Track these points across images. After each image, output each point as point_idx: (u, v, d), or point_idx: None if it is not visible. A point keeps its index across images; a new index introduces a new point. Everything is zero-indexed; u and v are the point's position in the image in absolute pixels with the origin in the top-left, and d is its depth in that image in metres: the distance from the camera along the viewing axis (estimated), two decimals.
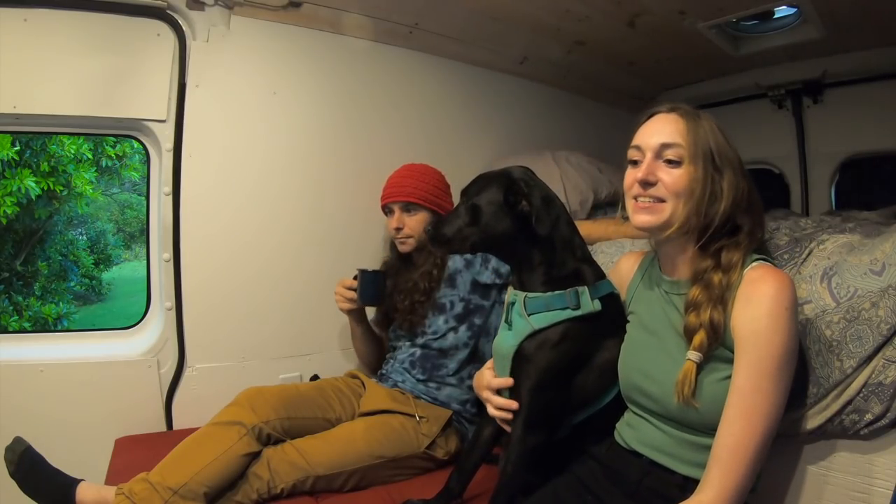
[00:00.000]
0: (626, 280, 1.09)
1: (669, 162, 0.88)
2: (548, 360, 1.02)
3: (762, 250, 0.93)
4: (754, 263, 0.86)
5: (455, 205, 1.21)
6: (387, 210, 1.65)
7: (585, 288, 1.04)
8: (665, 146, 0.88)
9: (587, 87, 2.49)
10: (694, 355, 0.84)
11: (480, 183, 1.11)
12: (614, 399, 1.03)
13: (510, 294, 1.11)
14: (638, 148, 0.92)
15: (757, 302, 0.81)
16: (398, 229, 1.60)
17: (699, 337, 0.84)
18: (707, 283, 0.86)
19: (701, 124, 0.88)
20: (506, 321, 1.10)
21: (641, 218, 0.91)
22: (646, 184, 0.89)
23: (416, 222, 1.60)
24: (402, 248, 1.63)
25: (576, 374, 1.03)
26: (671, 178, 0.87)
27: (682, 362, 0.86)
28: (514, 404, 1.05)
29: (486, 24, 1.86)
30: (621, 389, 1.01)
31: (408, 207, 1.60)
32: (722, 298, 0.84)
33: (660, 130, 0.90)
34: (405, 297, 1.58)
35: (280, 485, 1.24)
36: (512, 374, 1.06)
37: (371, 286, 1.54)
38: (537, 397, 1.02)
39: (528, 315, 1.04)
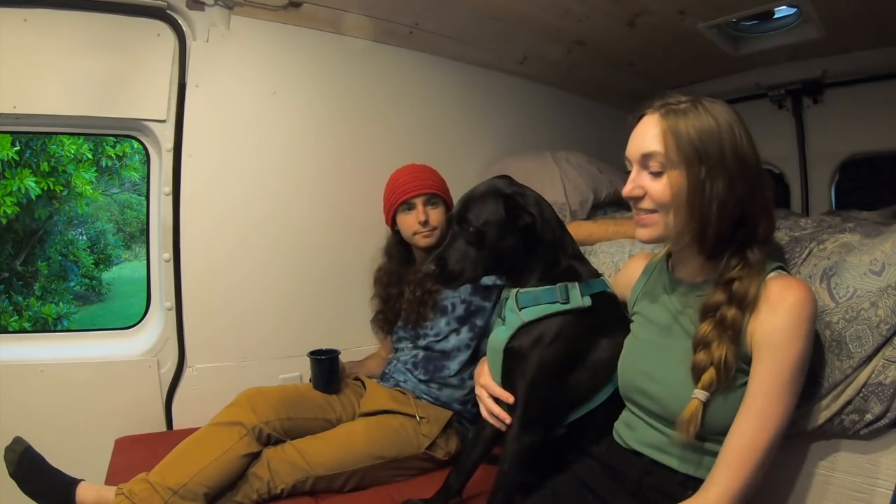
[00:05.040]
0: (633, 281, 1.09)
1: (654, 172, 0.86)
2: (542, 358, 1.03)
3: (778, 257, 0.91)
4: (773, 273, 0.85)
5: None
6: (405, 207, 1.59)
7: (576, 283, 1.05)
8: (646, 156, 0.86)
9: (587, 87, 2.48)
10: (701, 394, 0.82)
11: (474, 206, 1.09)
12: (611, 397, 1.04)
13: (505, 291, 1.13)
14: (627, 159, 0.92)
15: (781, 313, 0.80)
16: (424, 223, 1.56)
17: (709, 376, 0.81)
18: (720, 321, 0.82)
19: (687, 120, 0.82)
20: (500, 317, 1.11)
21: (640, 233, 0.91)
22: (633, 198, 0.89)
23: (438, 215, 1.58)
24: (426, 242, 1.57)
25: (570, 372, 1.04)
26: (656, 189, 0.86)
27: (685, 363, 0.85)
28: (507, 418, 1.06)
29: (486, 24, 1.86)
30: (620, 389, 1.00)
31: (432, 200, 1.59)
32: (736, 338, 0.81)
33: (642, 137, 0.87)
34: (415, 287, 1.57)
35: (280, 485, 1.24)
36: (505, 371, 1.08)
37: (322, 374, 1.50)
38: (532, 395, 1.03)
39: (520, 309, 1.06)
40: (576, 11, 1.78)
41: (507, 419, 1.06)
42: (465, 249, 1.08)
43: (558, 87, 2.41)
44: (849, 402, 0.90)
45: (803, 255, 1.05)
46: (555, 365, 1.03)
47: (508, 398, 1.06)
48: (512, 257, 1.09)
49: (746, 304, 0.82)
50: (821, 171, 2.35)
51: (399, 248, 1.70)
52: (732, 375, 0.82)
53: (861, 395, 0.88)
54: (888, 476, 0.88)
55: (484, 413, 1.11)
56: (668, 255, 1.01)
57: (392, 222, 1.66)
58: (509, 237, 1.07)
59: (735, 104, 2.54)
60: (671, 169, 0.84)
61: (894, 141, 2.10)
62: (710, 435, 0.84)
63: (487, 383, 1.11)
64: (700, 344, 0.84)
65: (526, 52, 2.10)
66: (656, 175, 0.86)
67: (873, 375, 0.88)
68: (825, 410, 0.92)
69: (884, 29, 1.85)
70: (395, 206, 1.61)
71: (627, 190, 0.89)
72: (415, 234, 1.59)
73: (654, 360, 0.93)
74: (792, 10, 1.90)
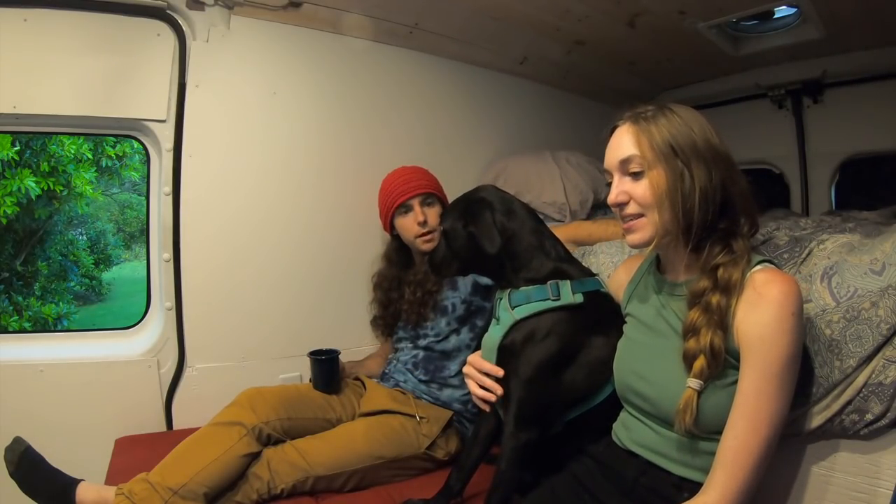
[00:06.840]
0: (624, 284, 1.09)
1: (634, 175, 0.88)
2: (534, 355, 1.03)
3: (762, 251, 0.92)
4: (758, 266, 0.85)
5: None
6: (402, 210, 1.58)
7: (567, 281, 1.07)
8: (624, 162, 0.89)
9: (587, 87, 2.48)
10: (694, 383, 0.82)
11: (446, 213, 1.23)
12: (610, 397, 1.04)
13: (498, 292, 1.15)
14: (607, 171, 0.94)
15: (764, 307, 0.80)
16: (423, 223, 1.55)
17: (699, 363, 0.82)
18: (706, 306, 0.83)
19: (657, 123, 0.86)
20: (494, 317, 1.13)
21: (630, 238, 0.92)
22: (618, 205, 0.91)
23: (435, 215, 1.57)
24: (429, 247, 1.54)
25: (564, 371, 1.05)
26: (640, 190, 0.87)
27: (676, 363, 0.85)
28: (497, 388, 1.07)
29: (486, 24, 1.86)
30: (616, 390, 1.01)
31: (428, 200, 1.58)
32: (722, 323, 0.82)
33: (617, 146, 0.91)
34: (415, 288, 1.56)
35: (280, 485, 1.24)
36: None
37: (322, 374, 1.49)
38: (526, 392, 1.04)
39: (512, 308, 1.08)
40: (576, 11, 1.78)
41: (498, 389, 1.06)
42: (442, 248, 1.21)
43: (558, 87, 2.41)
44: (849, 402, 0.89)
45: (803, 255, 1.05)
46: (548, 361, 1.03)
47: (497, 371, 1.06)
48: (483, 263, 1.15)
49: (731, 289, 0.83)
50: (821, 171, 2.34)
51: (399, 253, 1.70)
52: (722, 366, 0.82)
53: (861, 395, 0.88)
54: (889, 476, 0.88)
55: (472, 388, 1.11)
56: (657, 257, 1.02)
57: (391, 227, 1.66)
58: (465, 243, 1.16)
59: (735, 104, 2.58)
60: (650, 169, 0.86)
61: (894, 141, 2.10)
62: (703, 433, 0.84)
63: (474, 359, 1.12)
64: (689, 331, 0.84)
65: (526, 52, 2.10)
66: (637, 177, 0.88)
67: (873, 375, 0.88)
68: (825, 410, 0.92)
69: (884, 29, 1.86)
70: (392, 210, 1.60)
71: (612, 197, 0.91)
72: (416, 237, 1.57)
73: (646, 361, 0.94)
74: (792, 10, 1.90)
